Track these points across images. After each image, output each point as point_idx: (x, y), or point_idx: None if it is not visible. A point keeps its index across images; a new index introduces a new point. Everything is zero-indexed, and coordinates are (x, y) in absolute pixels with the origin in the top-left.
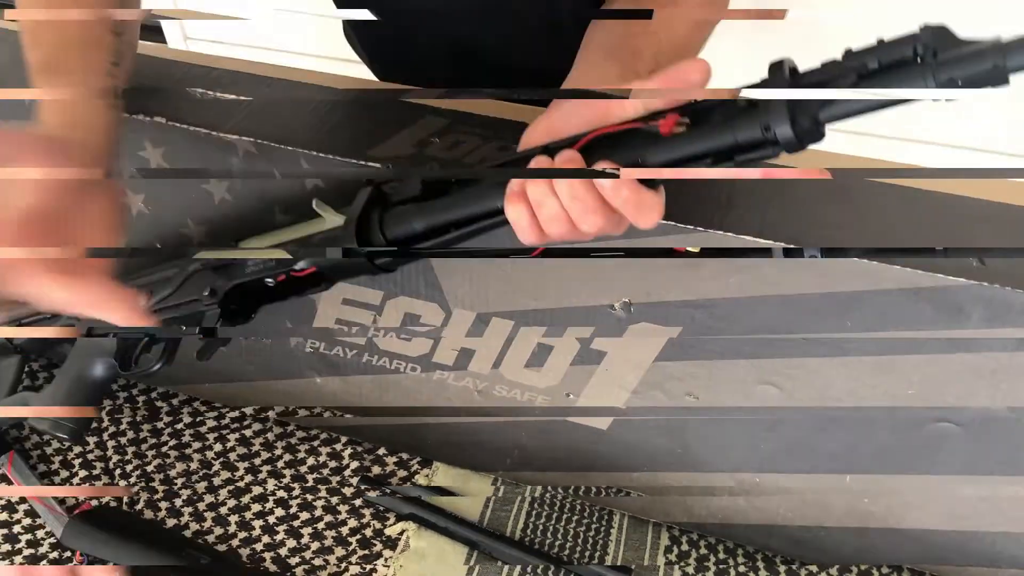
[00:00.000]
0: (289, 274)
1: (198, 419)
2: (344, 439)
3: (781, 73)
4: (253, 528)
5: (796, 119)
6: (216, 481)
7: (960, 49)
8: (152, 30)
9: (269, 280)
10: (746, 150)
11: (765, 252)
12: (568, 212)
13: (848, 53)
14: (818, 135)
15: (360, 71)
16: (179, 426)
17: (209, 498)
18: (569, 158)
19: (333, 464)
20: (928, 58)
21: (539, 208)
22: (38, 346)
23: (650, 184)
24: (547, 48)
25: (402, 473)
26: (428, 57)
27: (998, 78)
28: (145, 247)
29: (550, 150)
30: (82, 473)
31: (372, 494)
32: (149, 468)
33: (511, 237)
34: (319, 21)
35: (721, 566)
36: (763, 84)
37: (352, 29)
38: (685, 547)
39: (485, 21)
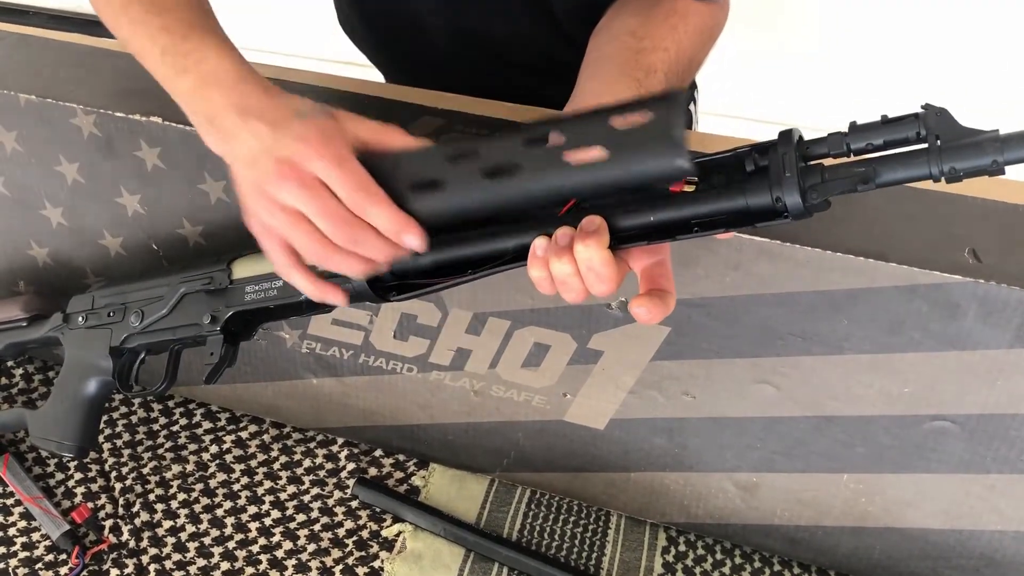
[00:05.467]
0: None
1: (194, 421)
2: (340, 440)
3: (789, 142)
4: (249, 530)
5: (806, 192)
6: (212, 483)
7: (961, 140)
8: None
9: (270, 303)
10: (757, 217)
11: None
12: (585, 283)
13: (853, 127)
14: (825, 206)
15: (355, 72)
16: (175, 428)
17: (205, 500)
18: (596, 228)
19: (329, 466)
20: (932, 144)
21: (562, 285)
22: (15, 352)
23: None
24: (547, 40)
25: (398, 474)
26: (433, 46)
27: (996, 171)
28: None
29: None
30: (77, 475)
31: (368, 496)
32: (145, 470)
33: None
34: (314, 23)
35: (718, 566)
36: (771, 148)
37: (360, 19)
38: (682, 547)
39: (486, 13)
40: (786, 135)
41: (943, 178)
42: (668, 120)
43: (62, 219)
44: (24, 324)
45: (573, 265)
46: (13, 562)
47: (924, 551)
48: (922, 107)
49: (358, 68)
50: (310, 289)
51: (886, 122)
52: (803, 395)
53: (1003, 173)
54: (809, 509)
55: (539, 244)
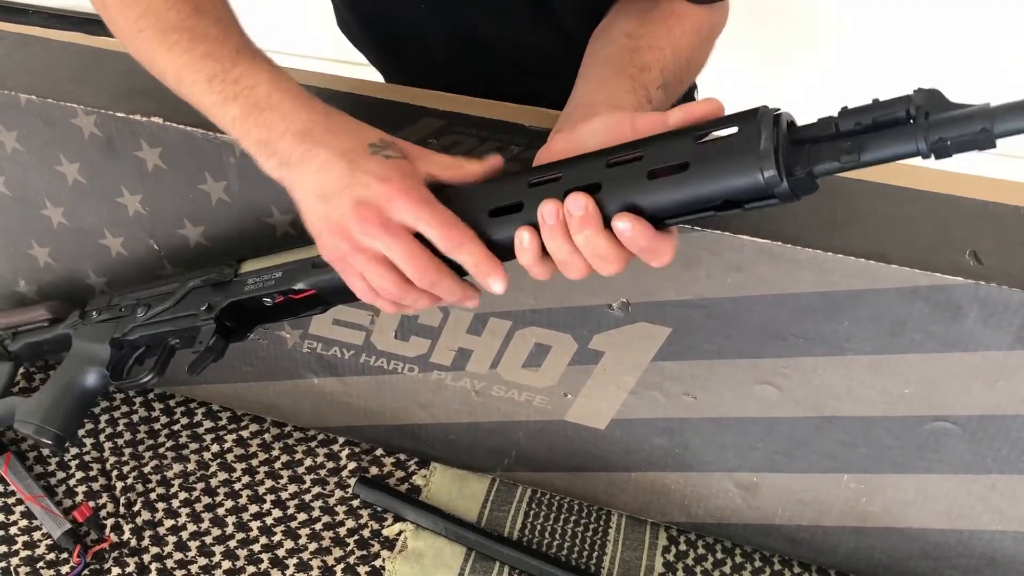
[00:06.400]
0: (288, 296)
1: (195, 420)
2: (341, 440)
3: (779, 126)
4: (251, 529)
5: (793, 173)
6: (213, 482)
7: (951, 112)
8: None
9: (267, 300)
10: (744, 200)
11: None
12: (591, 265)
13: (844, 111)
14: (812, 187)
15: (355, 72)
16: (176, 427)
17: (206, 499)
18: (584, 207)
19: (331, 465)
20: (920, 119)
21: (562, 264)
22: (31, 353)
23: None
24: (549, 42)
25: (400, 473)
26: (433, 49)
27: (986, 141)
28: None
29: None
30: (79, 474)
31: (369, 495)
32: (146, 469)
33: None
34: (313, 23)
35: (719, 566)
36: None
37: (358, 20)
38: (683, 547)
39: (487, 15)
40: (775, 116)
41: (932, 153)
42: (753, 131)
43: (63, 219)
44: (45, 324)
45: (569, 242)
46: (15, 561)
47: (924, 551)
48: (914, 90)
49: (358, 68)
50: (391, 310)
51: (876, 104)
52: (804, 396)
53: (994, 146)
54: (810, 509)
55: (530, 236)
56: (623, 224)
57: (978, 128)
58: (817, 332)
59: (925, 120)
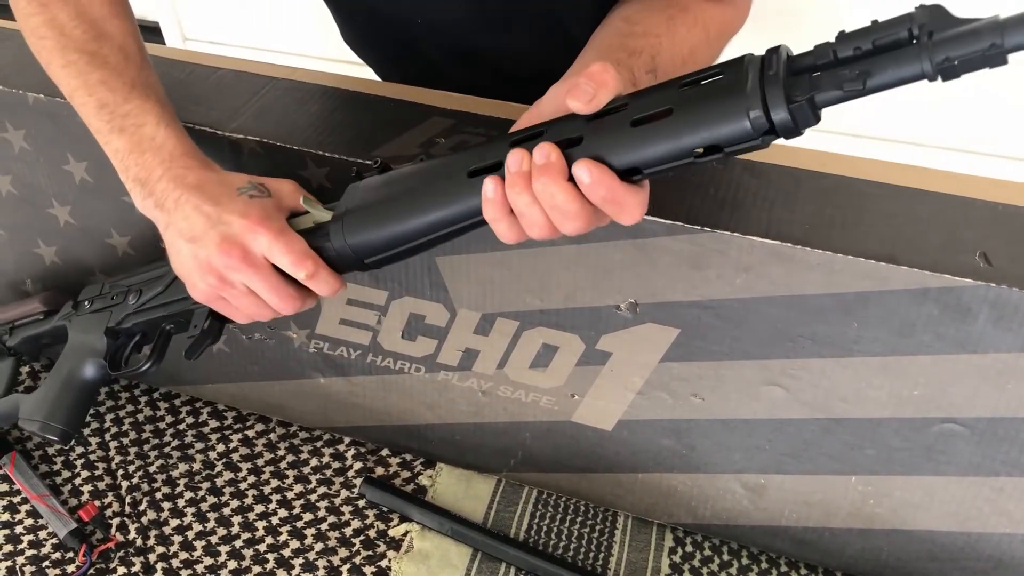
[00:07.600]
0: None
1: (200, 419)
2: (347, 440)
3: (777, 57)
4: (256, 529)
5: (793, 100)
6: (219, 482)
7: (956, 28)
8: (150, 30)
9: None
10: (739, 139)
11: None
12: (550, 219)
13: (842, 35)
14: (814, 119)
15: (360, 72)
16: (182, 427)
17: (212, 499)
18: (547, 155)
19: (336, 465)
20: (923, 38)
21: (522, 217)
22: (31, 348)
23: (631, 178)
24: (554, 54)
25: (405, 474)
26: (434, 63)
27: (996, 58)
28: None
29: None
30: (84, 473)
31: (375, 495)
32: (152, 468)
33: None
34: (316, 24)
35: (725, 567)
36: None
37: (357, 35)
38: (689, 548)
39: (490, 31)
40: (772, 50)
41: (938, 75)
42: (739, 73)
43: (70, 218)
44: (41, 317)
45: (529, 192)
46: (20, 560)
47: (932, 553)
48: (916, 8)
49: (362, 68)
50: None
51: (876, 25)
52: (812, 397)
53: (1005, 62)
54: (817, 511)
55: (493, 187)
56: (581, 170)
57: (987, 44)
58: (826, 333)
59: (929, 39)
